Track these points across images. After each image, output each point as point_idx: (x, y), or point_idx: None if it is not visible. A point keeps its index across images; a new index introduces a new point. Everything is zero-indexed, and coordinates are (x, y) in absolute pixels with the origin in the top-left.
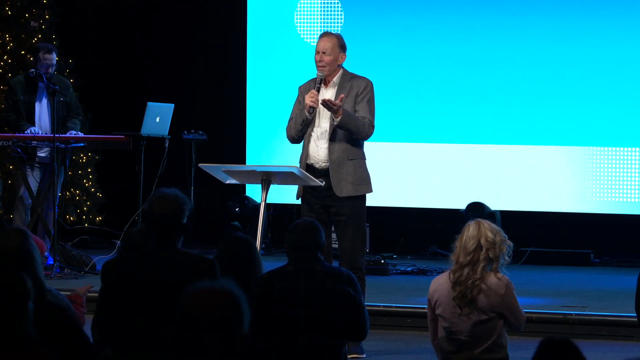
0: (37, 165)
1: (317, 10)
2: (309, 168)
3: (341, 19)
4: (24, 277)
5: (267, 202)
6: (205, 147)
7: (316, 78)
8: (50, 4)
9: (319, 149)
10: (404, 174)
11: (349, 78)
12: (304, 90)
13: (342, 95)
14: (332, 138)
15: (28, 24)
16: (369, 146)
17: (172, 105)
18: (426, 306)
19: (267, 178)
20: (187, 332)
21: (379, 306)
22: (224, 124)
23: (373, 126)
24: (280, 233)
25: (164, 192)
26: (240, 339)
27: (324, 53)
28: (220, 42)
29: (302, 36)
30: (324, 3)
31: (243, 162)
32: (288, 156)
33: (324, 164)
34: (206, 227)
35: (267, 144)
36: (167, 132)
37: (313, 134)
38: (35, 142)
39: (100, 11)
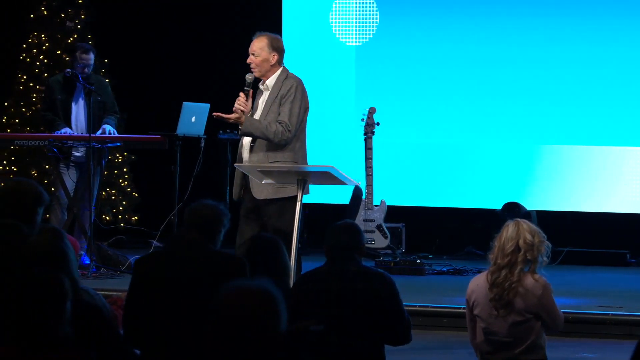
0: (72, 164)
1: (353, 11)
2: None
3: (376, 18)
4: (62, 277)
5: (303, 202)
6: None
7: (246, 81)
8: (86, 3)
9: (245, 149)
10: (439, 174)
11: (283, 79)
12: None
13: (233, 111)
14: (254, 141)
15: (63, 24)
16: (401, 146)
17: (208, 105)
18: (462, 306)
19: (302, 178)
20: (222, 332)
21: (415, 306)
22: None
23: (289, 130)
24: (316, 233)
25: (207, 201)
26: (277, 338)
27: (253, 55)
28: None
29: (337, 36)
30: (359, 3)
31: None
32: (323, 156)
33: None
34: None
35: None
36: (202, 132)
37: (243, 137)
38: (71, 142)
39: (135, 11)
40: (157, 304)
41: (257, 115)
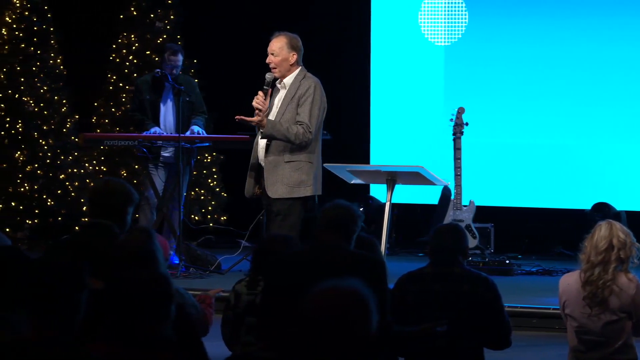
0: (161, 164)
1: (442, 11)
2: (259, 167)
3: (465, 18)
4: (170, 279)
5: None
6: (330, 147)
7: (265, 80)
8: (175, 4)
9: (259, 148)
10: (528, 174)
11: (300, 78)
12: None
13: (258, 115)
14: (270, 140)
15: (153, 24)
16: (490, 146)
17: None
18: (552, 306)
19: (392, 178)
20: (311, 332)
21: (504, 306)
22: (348, 123)
23: (310, 132)
24: (404, 233)
25: (341, 201)
26: (367, 339)
27: (272, 54)
28: (344, 41)
29: (426, 36)
30: (449, 3)
31: (367, 161)
32: (412, 156)
33: (263, 164)
34: None
35: (391, 143)
36: None
37: (259, 134)
38: (161, 142)
39: (224, 11)
40: (293, 306)
41: (272, 114)
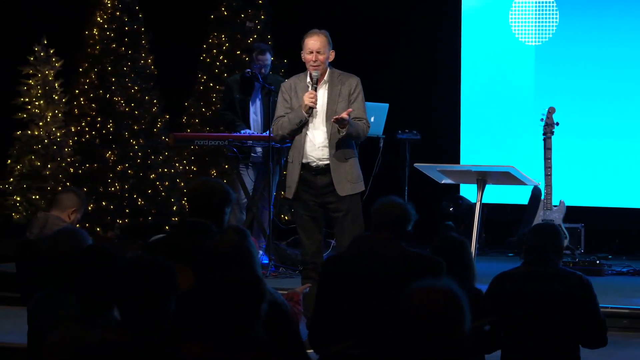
0: (251, 164)
1: (532, 10)
2: (304, 167)
3: (556, 18)
4: (261, 278)
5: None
6: (420, 147)
7: (311, 78)
8: (265, 4)
9: (315, 147)
10: (618, 174)
11: (337, 75)
12: (288, 88)
13: (350, 110)
14: (330, 139)
15: (243, 24)
16: (580, 146)
17: (387, 105)
18: None
19: (482, 178)
20: (409, 331)
21: (599, 305)
22: (438, 123)
23: (369, 126)
24: (494, 233)
25: (394, 198)
26: (463, 338)
27: (318, 52)
28: (434, 41)
29: (516, 36)
30: (539, 3)
31: (457, 161)
32: (503, 156)
33: (321, 163)
34: (420, 227)
35: (481, 143)
36: (381, 132)
37: (309, 133)
38: (251, 142)
39: (314, 11)
40: (350, 304)
41: (321, 112)
